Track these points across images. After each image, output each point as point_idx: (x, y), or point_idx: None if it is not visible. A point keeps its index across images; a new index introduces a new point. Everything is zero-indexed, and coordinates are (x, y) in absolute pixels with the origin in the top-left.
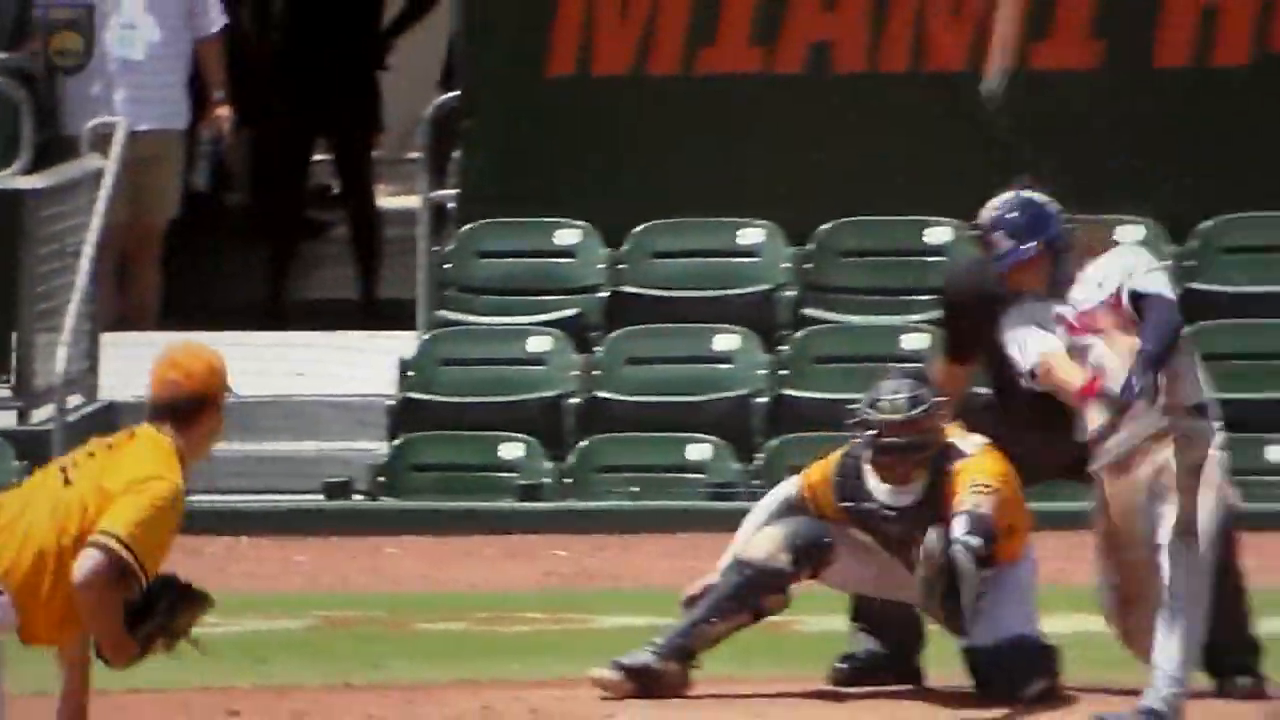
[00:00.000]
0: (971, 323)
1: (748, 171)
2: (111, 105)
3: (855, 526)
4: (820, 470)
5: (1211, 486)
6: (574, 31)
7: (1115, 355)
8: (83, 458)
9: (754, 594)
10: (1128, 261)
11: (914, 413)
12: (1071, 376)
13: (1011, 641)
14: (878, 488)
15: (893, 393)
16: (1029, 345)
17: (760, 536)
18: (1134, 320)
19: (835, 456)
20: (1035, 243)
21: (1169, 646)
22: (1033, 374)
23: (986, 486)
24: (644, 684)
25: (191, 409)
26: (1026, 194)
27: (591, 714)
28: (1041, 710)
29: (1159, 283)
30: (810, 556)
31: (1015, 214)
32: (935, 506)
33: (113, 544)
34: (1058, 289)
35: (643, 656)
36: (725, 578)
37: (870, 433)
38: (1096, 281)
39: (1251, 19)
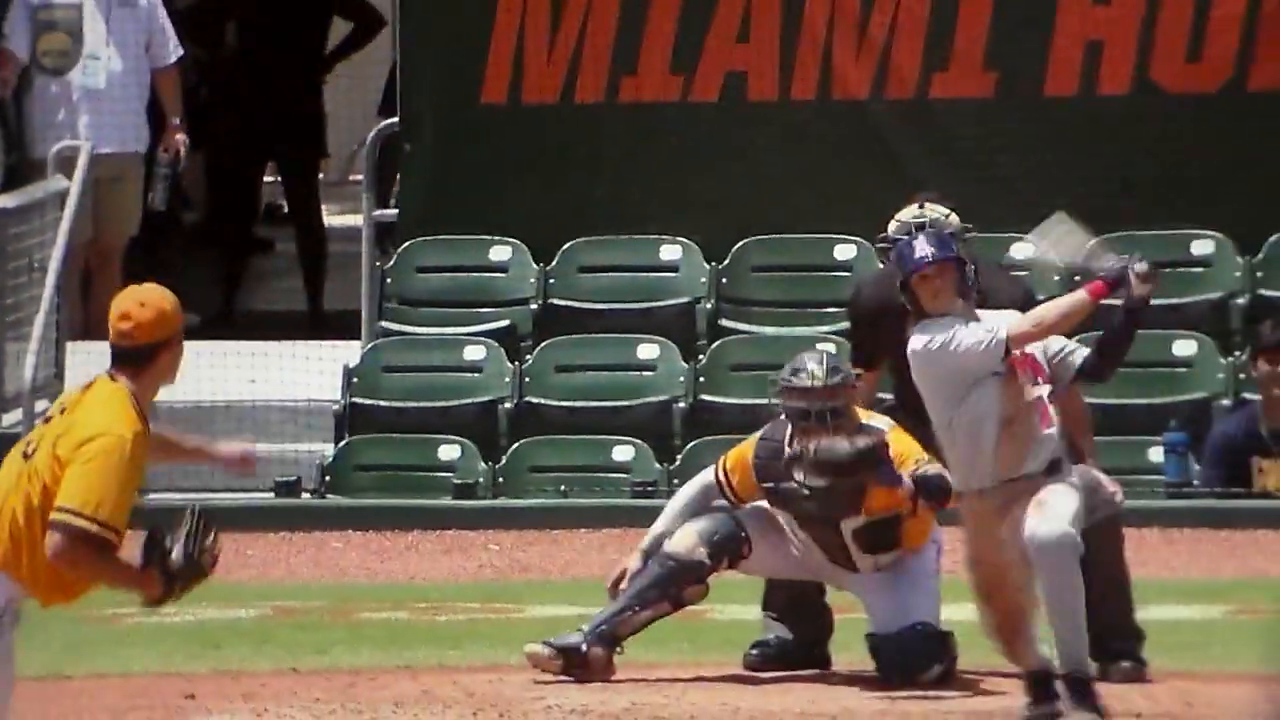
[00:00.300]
0: (877, 332)
1: (668, 192)
2: (75, 130)
3: (776, 506)
4: (738, 455)
5: (1070, 484)
6: (506, 63)
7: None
8: (40, 428)
9: (675, 585)
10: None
11: (835, 380)
12: (1070, 299)
13: (912, 628)
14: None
15: (813, 363)
16: (982, 327)
17: (681, 533)
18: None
19: (752, 441)
20: (942, 254)
21: (1063, 641)
22: (1007, 349)
23: (931, 462)
24: (571, 663)
25: (146, 354)
26: (932, 209)
27: (523, 697)
28: (937, 691)
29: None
30: (726, 551)
31: (923, 231)
32: (855, 493)
33: (67, 518)
34: (964, 306)
35: (572, 638)
36: (649, 569)
37: (796, 402)
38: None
39: (1132, 52)
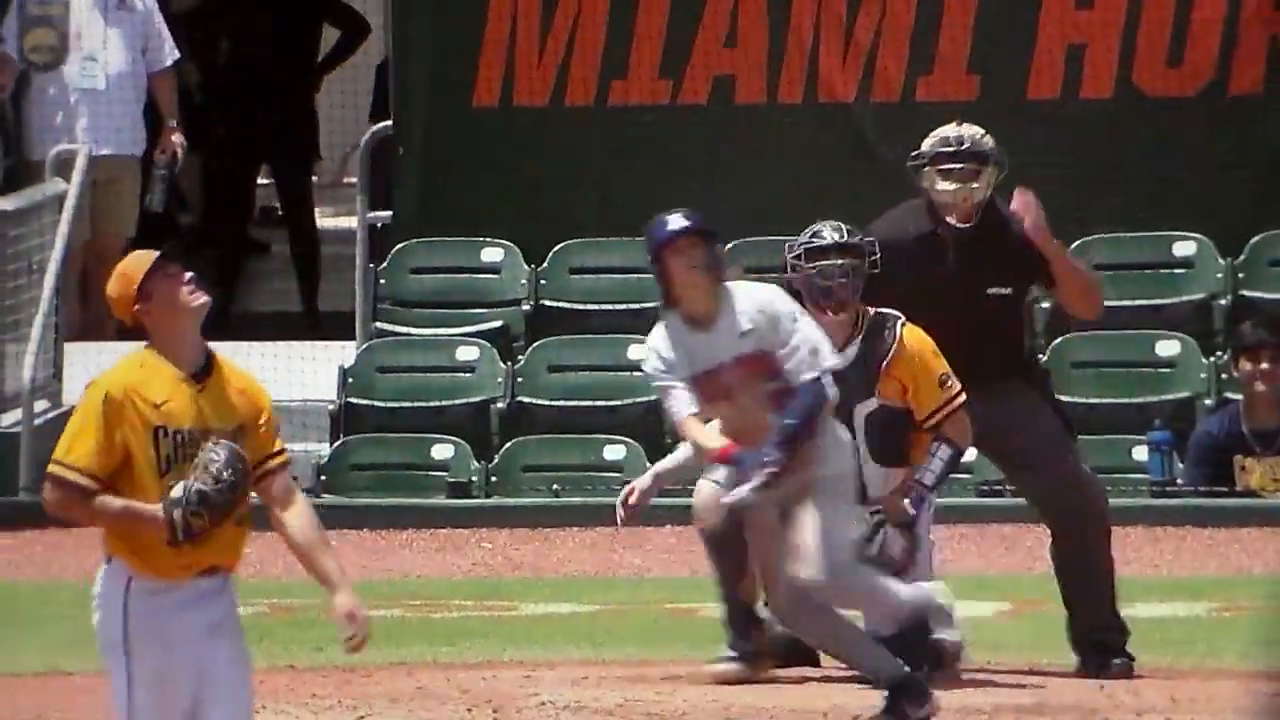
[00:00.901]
0: (886, 267)
1: (656, 194)
2: (73, 132)
3: None
4: None
5: (827, 498)
6: (497, 66)
7: (744, 414)
8: None
9: (732, 548)
10: (773, 310)
11: (854, 239)
12: (707, 440)
13: (905, 631)
14: None
15: (829, 228)
16: (677, 401)
17: (700, 502)
18: (774, 375)
19: None
20: (695, 226)
21: (861, 668)
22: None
23: (951, 386)
24: (760, 668)
25: (138, 325)
26: (969, 128)
27: (517, 693)
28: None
29: (809, 355)
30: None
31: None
32: (870, 368)
33: (49, 469)
34: (717, 287)
35: (743, 645)
36: (708, 558)
37: (818, 262)
38: (739, 331)
39: (1114, 55)
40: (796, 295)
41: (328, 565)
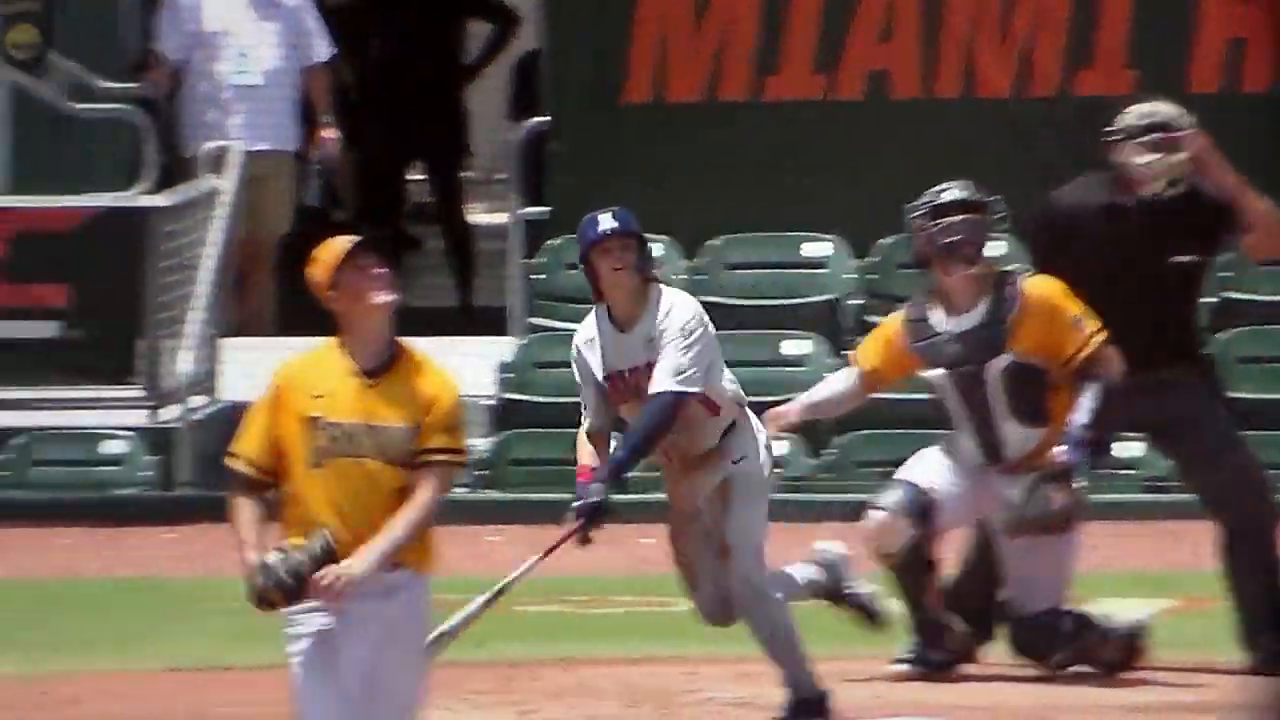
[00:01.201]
0: (1068, 239)
1: (813, 189)
2: (225, 129)
3: (928, 365)
4: (881, 336)
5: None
6: (649, 62)
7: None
8: None
9: (919, 556)
10: (672, 320)
11: (977, 196)
12: (580, 458)
13: (1038, 616)
14: (943, 320)
15: (955, 186)
16: (585, 392)
17: (877, 527)
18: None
19: (892, 320)
20: (625, 228)
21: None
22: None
23: (1087, 325)
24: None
25: (329, 311)
26: (1166, 106)
27: (680, 689)
28: (1094, 685)
29: (670, 369)
30: (921, 509)
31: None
32: (997, 326)
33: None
34: (643, 285)
35: (920, 659)
36: (892, 577)
37: (939, 220)
38: (649, 337)
39: (1274, 49)
40: (923, 260)
41: (374, 539)
